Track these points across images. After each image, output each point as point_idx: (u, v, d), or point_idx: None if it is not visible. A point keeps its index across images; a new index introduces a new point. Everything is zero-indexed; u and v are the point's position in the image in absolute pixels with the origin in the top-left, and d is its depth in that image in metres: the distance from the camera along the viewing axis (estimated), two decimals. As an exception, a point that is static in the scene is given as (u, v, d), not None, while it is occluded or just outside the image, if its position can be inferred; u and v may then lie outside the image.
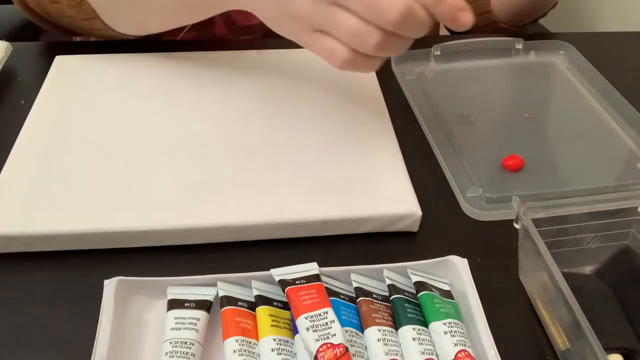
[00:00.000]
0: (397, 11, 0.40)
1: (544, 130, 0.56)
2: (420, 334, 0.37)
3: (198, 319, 0.37)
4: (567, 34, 0.70)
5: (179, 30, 0.62)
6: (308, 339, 0.34)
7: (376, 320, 0.37)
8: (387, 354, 0.35)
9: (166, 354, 0.35)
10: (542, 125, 0.57)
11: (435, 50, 0.62)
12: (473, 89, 0.61)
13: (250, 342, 0.36)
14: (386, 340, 0.36)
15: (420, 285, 0.39)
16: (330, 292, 0.38)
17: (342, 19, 0.41)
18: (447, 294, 0.39)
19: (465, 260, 0.40)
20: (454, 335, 0.36)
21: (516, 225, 0.40)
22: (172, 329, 0.36)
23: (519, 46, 0.64)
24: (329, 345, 0.34)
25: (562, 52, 0.64)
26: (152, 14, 0.55)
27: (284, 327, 0.37)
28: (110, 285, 0.37)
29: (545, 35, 0.75)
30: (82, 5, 0.54)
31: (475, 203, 0.47)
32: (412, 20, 0.41)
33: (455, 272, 0.40)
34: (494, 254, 0.44)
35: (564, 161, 0.53)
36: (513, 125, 0.56)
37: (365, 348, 0.36)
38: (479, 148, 0.52)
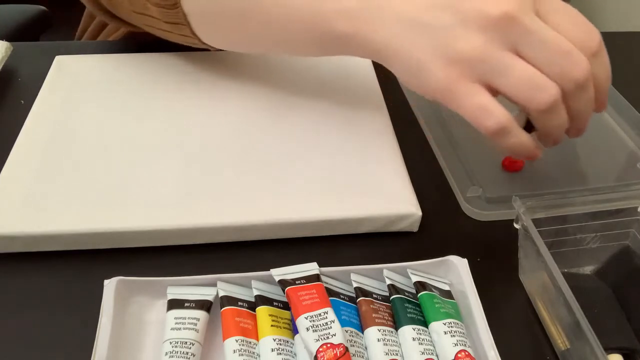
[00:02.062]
0: (586, 70, 0.37)
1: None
2: (420, 334, 0.37)
3: (198, 319, 0.37)
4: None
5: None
6: (308, 339, 0.34)
7: (376, 320, 0.37)
8: (387, 354, 0.35)
9: (166, 354, 0.35)
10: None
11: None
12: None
13: (250, 342, 0.36)
14: (386, 340, 0.36)
15: (420, 285, 0.39)
16: (330, 292, 0.38)
17: (517, 65, 0.37)
18: (447, 294, 0.39)
19: (465, 260, 0.40)
20: (454, 335, 0.36)
21: (516, 225, 0.40)
22: (172, 329, 0.36)
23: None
24: (329, 345, 0.34)
25: None
26: (263, 40, 0.48)
27: (284, 327, 0.37)
28: (110, 285, 0.37)
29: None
30: (174, 8, 0.48)
31: (475, 203, 0.47)
32: (589, 86, 0.37)
33: (455, 272, 0.40)
34: (494, 254, 0.44)
35: (563, 161, 0.53)
36: None
37: (365, 348, 0.36)
38: (479, 148, 0.52)
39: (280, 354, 0.35)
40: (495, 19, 0.37)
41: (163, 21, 0.50)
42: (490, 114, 0.38)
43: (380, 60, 0.43)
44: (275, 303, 0.38)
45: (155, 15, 0.50)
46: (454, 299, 0.39)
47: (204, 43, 0.51)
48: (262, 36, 0.47)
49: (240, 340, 0.35)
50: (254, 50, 0.52)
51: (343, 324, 0.36)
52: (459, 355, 0.35)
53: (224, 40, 0.50)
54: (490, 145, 0.40)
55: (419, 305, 0.38)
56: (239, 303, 0.38)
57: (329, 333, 0.34)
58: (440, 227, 0.46)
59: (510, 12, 0.37)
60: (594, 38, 0.39)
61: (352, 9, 0.41)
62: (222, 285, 0.38)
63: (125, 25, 0.57)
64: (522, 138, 0.39)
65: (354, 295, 0.39)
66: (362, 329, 0.37)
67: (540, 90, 0.37)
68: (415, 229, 0.45)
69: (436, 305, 0.37)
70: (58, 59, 0.57)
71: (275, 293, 0.38)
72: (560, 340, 0.38)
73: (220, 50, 0.54)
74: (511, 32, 0.37)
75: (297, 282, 0.38)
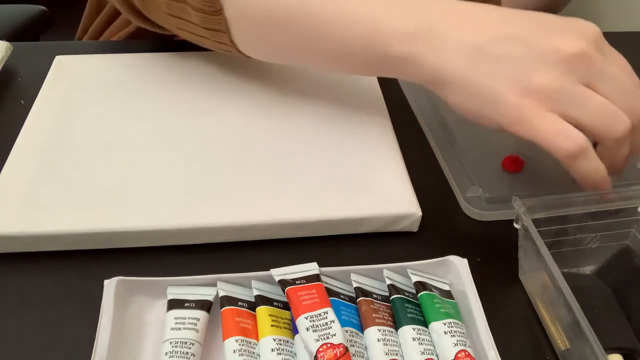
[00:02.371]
0: None
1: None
2: (420, 334, 0.37)
3: (198, 319, 0.37)
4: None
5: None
6: (308, 339, 0.34)
7: (376, 320, 0.37)
8: (387, 354, 0.35)
9: (166, 354, 0.35)
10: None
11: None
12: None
13: (250, 342, 0.36)
14: (386, 340, 0.36)
15: (420, 285, 0.39)
16: (330, 292, 0.38)
17: (593, 97, 0.39)
18: (447, 294, 0.39)
19: (465, 260, 0.40)
20: (454, 335, 0.36)
21: (516, 225, 0.40)
22: (172, 329, 0.36)
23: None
24: (329, 345, 0.34)
25: None
26: (312, 55, 0.47)
27: (284, 327, 0.37)
28: (110, 285, 0.37)
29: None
30: (217, 15, 0.47)
31: (475, 203, 0.47)
32: None
33: (455, 272, 0.40)
34: (494, 254, 0.44)
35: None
36: None
37: (365, 348, 0.36)
38: (479, 148, 0.52)
39: (280, 354, 0.35)
40: (571, 56, 0.39)
41: (201, 27, 0.49)
42: (570, 136, 0.38)
43: (434, 85, 0.42)
44: (275, 303, 0.38)
45: (194, 21, 0.49)
46: (454, 299, 0.39)
47: (240, 52, 0.50)
48: (312, 51, 0.47)
49: (240, 340, 0.35)
50: (296, 63, 0.51)
51: (343, 324, 0.36)
52: (459, 355, 0.35)
53: (265, 50, 0.49)
54: (573, 175, 0.41)
55: (419, 305, 0.38)
56: (239, 303, 0.38)
57: (329, 333, 0.34)
58: (440, 227, 0.46)
59: (584, 50, 0.39)
60: None
61: (412, 31, 0.42)
62: (222, 285, 0.38)
63: (153, 27, 0.56)
64: (598, 164, 0.40)
65: (354, 295, 0.39)
66: (362, 329, 0.37)
67: (618, 119, 0.39)
68: (415, 229, 0.45)
69: (436, 305, 0.37)
70: (58, 59, 0.57)
71: (275, 293, 0.38)
72: (560, 340, 0.38)
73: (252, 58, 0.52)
74: (585, 68, 0.39)
75: (297, 282, 0.38)
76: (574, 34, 0.40)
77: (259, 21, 0.46)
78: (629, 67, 0.42)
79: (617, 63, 0.41)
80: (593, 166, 0.40)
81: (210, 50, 0.55)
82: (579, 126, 0.39)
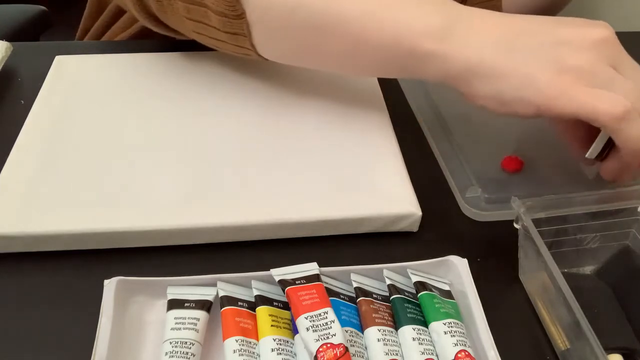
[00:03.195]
0: None
1: (545, 130, 0.56)
2: (420, 334, 0.37)
3: (198, 319, 0.37)
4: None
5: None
6: (308, 339, 0.34)
7: (376, 320, 0.37)
8: (387, 354, 0.35)
9: (166, 354, 0.35)
10: (543, 126, 0.56)
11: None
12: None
13: (250, 342, 0.36)
14: (386, 340, 0.36)
15: (420, 285, 0.39)
16: (330, 292, 0.38)
17: (621, 78, 0.40)
18: (447, 294, 0.39)
19: (465, 260, 0.40)
20: (454, 335, 0.36)
21: (516, 225, 0.40)
22: (172, 329, 0.36)
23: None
24: (329, 345, 0.34)
25: None
26: (336, 57, 0.47)
27: (284, 327, 0.37)
28: (110, 285, 0.37)
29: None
30: (239, 19, 0.46)
31: (474, 203, 0.47)
32: None
33: (455, 272, 0.40)
34: (494, 254, 0.44)
35: (563, 162, 0.52)
36: (513, 125, 0.56)
37: (365, 348, 0.36)
38: (478, 148, 0.52)
39: (280, 354, 0.35)
40: (600, 41, 0.41)
41: (222, 31, 0.48)
42: (616, 99, 0.39)
43: (460, 79, 0.43)
44: (275, 303, 0.38)
45: (214, 24, 0.48)
46: (454, 299, 0.39)
47: (260, 55, 0.49)
48: (335, 52, 0.47)
49: (240, 340, 0.35)
50: (319, 66, 0.50)
51: (343, 324, 0.36)
52: (459, 355, 0.35)
53: (287, 53, 0.49)
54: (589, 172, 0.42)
55: (419, 305, 0.38)
56: (239, 303, 0.38)
57: (329, 333, 0.34)
58: (440, 227, 0.46)
59: (611, 35, 0.41)
60: None
61: (438, 28, 0.42)
62: (222, 285, 0.38)
63: (168, 31, 0.55)
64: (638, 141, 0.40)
65: (354, 295, 0.39)
66: (362, 329, 0.37)
67: None
68: (415, 229, 0.45)
69: (436, 305, 0.37)
70: (58, 59, 0.57)
71: (275, 293, 0.38)
72: (560, 340, 0.38)
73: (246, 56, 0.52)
74: (611, 52, 0.41)
75: (297, 282, 0.38)
76: (596, 24, 0.42)
77: (282, 24, 0.46)
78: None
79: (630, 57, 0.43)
80: (634, 134, 0.39)
81: (211, 50, 0.55)
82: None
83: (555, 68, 0.40)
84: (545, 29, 0.42)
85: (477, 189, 0.47)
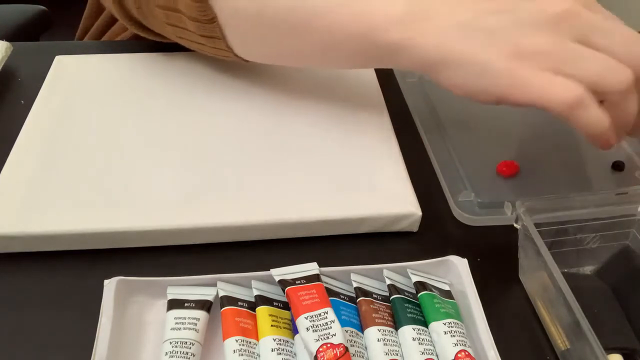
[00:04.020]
0: None
1: (542, 136, 0.56)
2: (420, 334, 0.37)
3: (198, 319, 0.37)
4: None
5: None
6: (308, 339, 0.34)
7: (376, 320, 0.37)
8: (387, 354, 0.35)
9: (166, 354, 0.35)
10: (540, 131, 0.56)
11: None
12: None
13: (250, 342, 0.36)
14: (386, 340, 0.36)
15: (420, 285, 0.39)
16: (330, 292, 0.38)
17: (589, 52, 0.38)
18: (447, 294, 0.39)
19: (465, 260, 0.40)
20: (454, 335, 0.36)
21: (516, 226, 0.40)
22: (172, 329, 0.36)
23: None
24: (329, 345, 0.34)
25: None
26: (305, 53, 0.47)
27: (284, 327, 0.37)
28: (110, 285, 0.37)
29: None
30: (211, 23, 0.47)
31: (467, 208, 0.46)
32: None
33: (455, 272, 0.40)
34: (493, 254, 0.44)
35: (559, 168, 0.52)
36: (510, 130, 0.56)
37: (365, 348, 0.36)
38: (474, 152, 0.52)
39: (280, 354, 0.35)
40: (557, 15, 0.38)
41: (199, 35, 0.49)
42: (566, 86, 0.37)
43: (428, 69, 0.42)
44: (275, 303, 0.38)
45: (191, 29, 0.49)
46: (454, 299, 0.39)
47: (238, 56, 0.50)
48: (305, 48, 0.47)
49: (240, 340, 0.35)
50: (292, 63, 0.51)
51: (343, 324, 0.36)
52: (459, 355, 0.35)
53: (261, 52, 0.50)
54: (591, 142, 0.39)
55: (419, 305, 0.38)
56: (239, 303, 0.38)
57: (329, 333, 0.34)
58: (441, 227, 0.46)
59: (570, 7, 0.39)
60: None
61: (401, 18, 0.41)
62: (222, 285, 0.38)
63: (156, 36, 0.56)
64: (600, 113, 0.38)
65: (354, 295, 0.39)
66: (362, 329, 0.37)
67: (617, 71, 0.37)
68: (415, 229, 0.45)
69: (436, 305, 0.37)
70: (58, 59, 0.57)
71: (275, 293, 0.38)
72: (560, 340, 0.38)
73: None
74: (574, 25, 0.38)
75: (297, 282, 0.38)
76: None
77: (253, 27, 0.47)
78: (622, 23, 0.41)
79: (610, 18, 0.40)
80: (594, 115, 0.38)
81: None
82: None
83: (510, 53, 0.38)
84: (506, 5, 0.40)
85: (470, 193, 0.47)
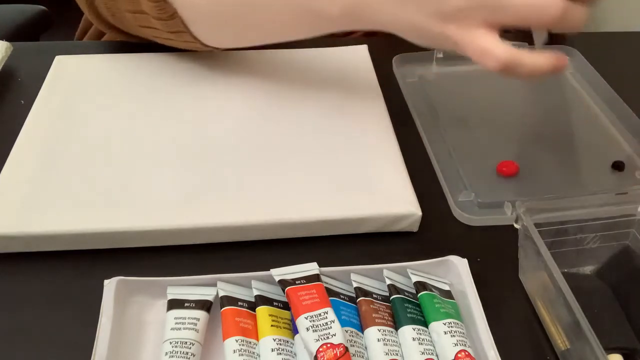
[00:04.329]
0: None
1: (542, 136, 0.56)
2: (420, 334, 0.37)
3: (198, 319, 0.37)
4: (567, 34, 0.69)
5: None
6: (308, 339, 0.34)
7: (376, 320, 0.37)
8: (387, 354, 0.35)
9: (166, 354, 0.35)
10: (540, 131, 0.56)
11: (438, 53, 0.61)
12: (473, 93, 0.60)
13: (250, 342, 0.36)
14: (386, 340, 0.36)
15: (420, 285, 0.39)
16: (330, 292, 0.38)
17: (511, 2, 0.39)
18: (447, 294, 0.39)
19: (465, 260, 0.40)
20: (454, 335, 0.36)
21: (516, 225, 0.40)
22: (172, 329, 0.36)
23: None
24: (329, 345, 0.34)
25: (568, 58, 0.63)
26: (258, 29, 0.51)
27: (284, 327, 0.37)
28: (110, 285, 0.37)
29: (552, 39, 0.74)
30: (172, 19, 0.50)
31: (467, 208, 0.46)
32: None
33: (455, 272, 0.40)
34: (493, 254, 0.44)
35: (559, 168, 0.52)
36: (510, 130, 0.56)
37: (365, 348, 0.36)
38: (474, 152, 0.52)
39: (280, 354, 0.35)
40: None
41: (165, 31, 0.52)
42: (491, 54, 0.39)
43: (380, 30, 0.45)
44: (275, 303, 0.38)
45: (159, 27, 0.52)
46: (454, 299, 0.39)
47: (206, 45, 0.52)
48: (261, 26, 0.50)
49: (240, 340, 0.35)
50: (256, 43, 0.54)
51: (343, 324, 0.36)
52: (459, 355, 0.35)
53: (226, 38, 0.53)
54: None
55: (419, 305, 0.38)
56: (239, 303, 0.38)
57: (329, 333, 0.34)
58: (441, 227, 0.46)
59: None
60: None
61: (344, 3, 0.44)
62: (222, 285, 0.38)
63: (133, 38, 0.59)
64: (535, 64, 0.40)
65: (354, 295, 0.39)
66: (362, 329, 0.37)
67: (542, 9, 0.39)
68: (415, 229, 0.45)
69: (436, 305, 0.37)
70: (58, 59, 0.57)
71: (275, 293, 0.38)
72: (560, 340, 0.38)
73: (224, 50, 0.55)
74: None
75: (297, 282, 0.38)
76: None
77: (208, 12, 0.50)
78: None
79: None
80: (529, 69, 0.40)
81: (215, 52, 0.55)
82: (511, 28, 0.40)
83: (440, 16, 0.41)
84: None
85: (470, 193, 0.47)
